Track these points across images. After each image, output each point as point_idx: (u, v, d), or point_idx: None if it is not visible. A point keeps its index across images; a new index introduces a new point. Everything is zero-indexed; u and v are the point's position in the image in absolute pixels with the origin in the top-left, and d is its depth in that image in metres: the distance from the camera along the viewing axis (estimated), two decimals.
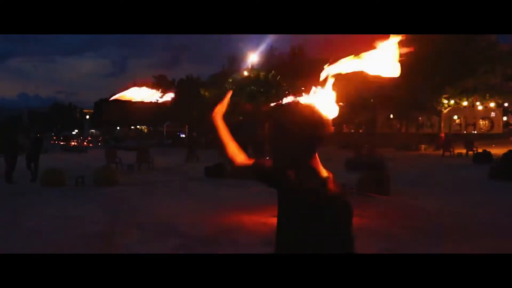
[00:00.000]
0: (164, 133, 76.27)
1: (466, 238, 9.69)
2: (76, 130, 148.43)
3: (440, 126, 50.83)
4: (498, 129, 67.69)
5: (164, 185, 19.61)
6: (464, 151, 36.92)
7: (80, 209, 13.63)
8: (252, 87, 65.28)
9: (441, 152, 39.07)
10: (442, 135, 46.22)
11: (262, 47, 74.18)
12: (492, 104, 58.23)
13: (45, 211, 13.29)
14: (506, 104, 61.87)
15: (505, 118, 73.26)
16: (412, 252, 8.19)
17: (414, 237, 9.84)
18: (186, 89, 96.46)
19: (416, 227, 10.84)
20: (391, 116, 66.12)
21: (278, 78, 66.55)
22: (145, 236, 10.15)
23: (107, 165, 22.72)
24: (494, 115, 68.44)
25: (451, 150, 37.64)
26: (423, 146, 46.02)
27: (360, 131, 68.81)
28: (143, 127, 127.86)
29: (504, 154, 24.67)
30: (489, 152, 29.45)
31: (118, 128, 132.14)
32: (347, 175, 17.34)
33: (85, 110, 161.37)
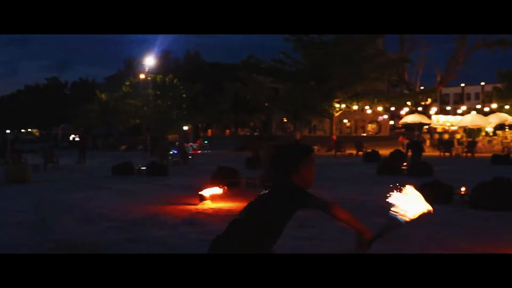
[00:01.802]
0: (59, 136, 75.12)
1: (357, 217, 11.23)
2: None
3: (331, 129, 53.11)
4: (386, 132, 71.28)
5: (77, 182, 20.18)
6: (354, 151, 39.30)
7: (2, 203, 14.16)
8: (149, 90, 65.63)
9: (333, 152, 41.33)
10: (334, 137, 48.48)
11: (157, 51, 74.62)
12: (380, 108, 61.24)
13: None
14: (393, 108, 65.22)
15: (391, 122, 77.10)
16: (324, 231, 9.60)
17: (322, 217, 11.23)
18: (80, 92, 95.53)
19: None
20: (285, 119, 68.19)
21: (175, 82, 67.18)
22: (76, 220, 11.06)
23: (16, 163, 22.91)
24: (381, 119, 72.00)
25: (342, 150, 39.99)
26: (316, 147, 48.07)
27: (255, 134, 70.53)
28: (34, 130, 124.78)
29: (391, 153, 26.89)
30: (377, 152, 31.71)
31: (8, 131, 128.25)
32: (247, 172, 19.07)
33: None
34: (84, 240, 8.86)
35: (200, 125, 76.81)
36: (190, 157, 32.37)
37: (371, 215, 11.52)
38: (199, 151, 48.79)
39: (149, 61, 69.00)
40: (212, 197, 13.39)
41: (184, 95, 66.93)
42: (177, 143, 36.74)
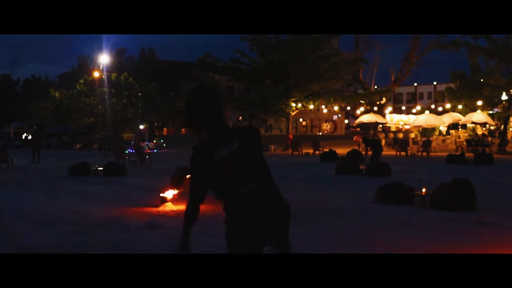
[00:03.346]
0: (11, 135, 73.82)
1: (319, 219, 11.34)
2: None
3: (288, 128, 53.33)
4: (341, 131, 71.84)
5: (33, 183, 19.84)
6: (311, 151, 39.54)
7: None
8: (104, 89, 65.06)
9: (290, 152, 41.51)
10: (291, 136, 48.68)
11: (112, 48, 73.94)
12: (336, 108, 61.80)
13: None
14: (348, 108, 65.91)
15: (346, 121, 77.83)
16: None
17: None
18: (32, 89, 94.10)
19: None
20: (240, 118, 68.22)
21: (130, 80, 66.72)
22: (36, 224, 10.83)
23: None
24: (337, 118, 72.60)
25: (299, 150, 40.17)
26: (272, 146, 48.22)
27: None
28: None
29: (348, 153, 27.11)
30: (335, 151, 31.96)
31: None
32: None
33: None
34: (46, 245, 8.67)
35: (155, 124, 76.34)
36: (147, 156, 32.10)
37: (332, 216, 11.68)
38: (154, 150, 48.57)
39: (103, 59, 68.35)
40: (173, 199, 13.30)
41: (139, 94, 66.55)
42: (132, 142, 36.51)
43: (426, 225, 10.43)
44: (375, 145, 25.20)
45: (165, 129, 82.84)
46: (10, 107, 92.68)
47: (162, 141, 55.90)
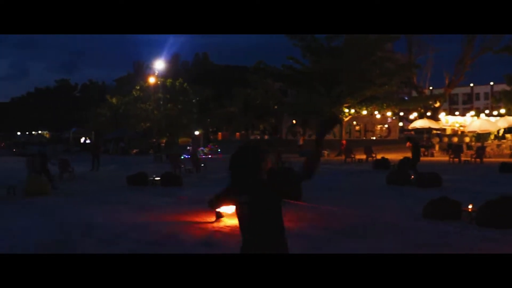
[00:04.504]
0: (71, 140, 75.73)
1: (370, 235, 11.72)
2: None
3: (341, 133, 53.38)
4: (395, 135, 71.54)
5: (94, 194, 20.43)
6: (364, 157, 39.67)
7: (24, 220, 14.56)
8: (160, 94, 66.12)
9: (343, 157, 41.67)
10: (344, 142, 48.74)
11: (166, 54, 75.23)
12: (389, 113, 61.54)
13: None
14: (402, 114, 65.60)
15: (401, 124, 77.28)
16: (324, 249, 10.06)
17: (326, 235, 11.67)
18: (90, 94, 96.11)
19: (326, 227, 12.72)
20: (294, 121, 68.50)
21: (184, 85, 67.64)
22: (98, 241, 11.46)
23: (36, 175, 22.98)
24: (390, 121, 72.28)
25: (352, 156, 40.32)
26: (326, 152, 48.35)
27: (266, 137, 70.86)
28: (45, 132, 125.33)
29: (399, 161, 27.21)
30: (387, 159, 32.06)
31: (18, 133, 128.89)
32: None
33: None
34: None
35: (210, 129, 77.27)
36: (202, 165, 32.65)
37: (376, 234, 12.03)
38: (210, 155, 49.31)
39: (159, 64, 69.53)
40: (230, 214, 13.74)
41: (194, 100, 67.46)
42: (188, 148, 37.26)
43: (467, 245, 10.64)
44: (414, 149, 24.88)
45: (219, 133, 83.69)
46: (68, 112, 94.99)
47: (216, 146, 56.48)
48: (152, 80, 68.12)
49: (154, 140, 63.11)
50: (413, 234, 11.87)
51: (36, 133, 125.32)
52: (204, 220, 13.70)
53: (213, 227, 12.90)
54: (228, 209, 13.79)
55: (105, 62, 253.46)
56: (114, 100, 70.84)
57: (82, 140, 77.28)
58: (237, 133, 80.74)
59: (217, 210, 13.76)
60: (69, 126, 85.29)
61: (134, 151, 58.64)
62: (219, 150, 53.53)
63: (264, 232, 4.59)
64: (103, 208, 16.58)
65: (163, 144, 61.05)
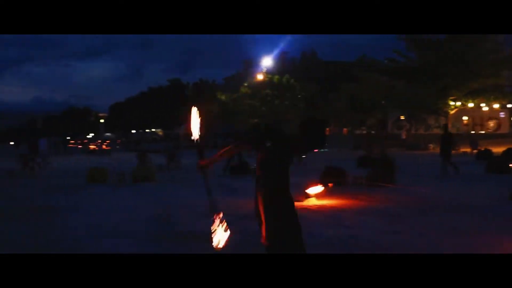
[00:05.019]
0: (180, 136, 78.19)
1: (458, 213, 12.08)
2: (92, 134, 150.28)
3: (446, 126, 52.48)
4: (505, 129, 69.32)
5: (195, 181, 21.54)
6: (469, 149, 39.14)
7: (132, 200, 15.83)
8: (267, 91, 67.09)
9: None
10: None
11: (275, 51, 76.16)
12: (496, 106, 59.83)
13: (101, 204, 15.48)
14: (510, 106, 63.51)
15: None
16: (412, 227, 10.54)
17: (413, 214, 12.10)
18: (201, 92, 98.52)
19: (415, 207, 13.13)
20: (401, 117, 67.84)
21: (291, 82, 68.32)
22: (195, 215, 12.41)
23: (142, 164, 24.58)
24: (502, 115, 70.10)
25: (457, 149, 39.82)
26: (431, 145, 47.90)
27: (372, 132, 70.50)
28: (158, 130, 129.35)
29: (503, 152, 26.86)
30: (490, 150, 31.64)
31: (133, 131, 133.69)
32: (358, 170, 19.90)
33: (100, 114, 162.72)
34: (203, 231, 9.99)
35: None
36: (303, 156, 33.25)
37: (458, 210, 12.37)
38: (315, 150, 49.80)
39: (267, 62, 70.57)
40: (317, 195, 14.48)
41: (299, 96, 68.06)
42: None
43: None
44: None
45: (327, 129, 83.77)
46: (179, 110, 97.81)
47: None
48: (260, 77, 69.36)
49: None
50: (493, 214, 12.10)
51: (149, 130, 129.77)
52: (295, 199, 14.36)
53: (302, 205, 13.57)
54: (315, 190, 14.58)
55: (217, 62, 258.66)
56: (223, 97, 72.56)
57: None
58: (344, 129, 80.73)
59: (306, 190, 14.50)
60: (180, 123, 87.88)
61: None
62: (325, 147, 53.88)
63: (272, 175, 5.41)
64: (199, 191, 17.51)
65: None
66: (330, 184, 15.47)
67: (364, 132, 74.02)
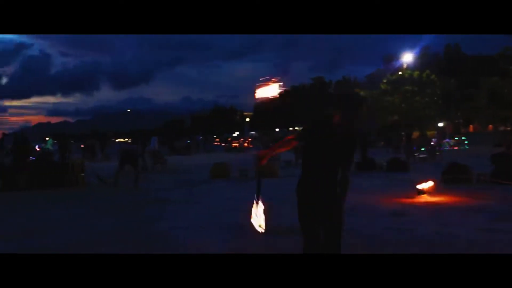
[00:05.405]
0: None
1: None
2: (237, 132, 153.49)
3: None
4: None
5: None
6: None
7: (244, 193, 16.04)
8: (407, 87, 65.78)
9: None
10: None
11: (417, 46, 74.47)
12: None
13: (219, 195, 15.87)
14: None
15: None
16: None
17: None
18: (342, 90, 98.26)
19: None
20: None
21: (432, 77, 66.56)
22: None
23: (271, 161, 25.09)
24: None
25: None
26: None
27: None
28: (299, 128, 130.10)
29: None
30: None
31: (277, 130, 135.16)
32: (486, 167, 18.97)
33: (245, 113, 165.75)
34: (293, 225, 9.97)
35: (456, 121, 75.33)
36: (437, 153, 32.45)
37: None
38: (455, 148, 48.41)
39: (407, 57, 69.15)
40: (429, 191, 14.04)
41: (438, 91, 66.17)
42: (433, 139, 37.07)
43: None
44: None
45: (471, 126, 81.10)
46: (322, 108, 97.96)
47: (464, 138, 54.98)
48: (399, 73, 68.11)
49: (403, 133, 62.98)
50: None
51: (292, 129, 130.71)
52: (407, 196, 14.10)
53: (412, 201, 13.30)
54: (426, 185, 14.15)
55: (361, 59, 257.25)
56: (362, 93, 71.97)
57: None
58: (490, 126, 77.56)
59: (417, 186, 14.10)
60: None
61: (382, 143, 59.01)
62: (466, 142, 52.13)
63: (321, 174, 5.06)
64: None
65: (415, 137, 60.68)
66: (434, 181, 14.83)
67: (509, 129, 70.83)
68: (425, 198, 13.72)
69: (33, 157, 21.99)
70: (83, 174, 20.21)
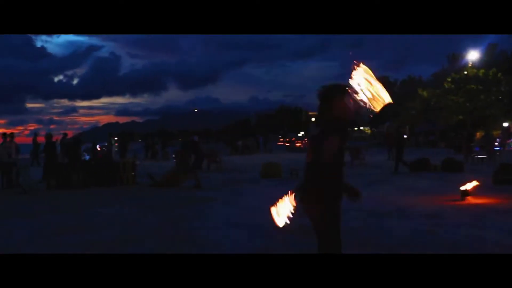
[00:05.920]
0: (385, 134, 77.34)
1: None
2: (302, 132, 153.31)
3: None
4: None
5: (376, 177, 21.32)
6: None
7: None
8: (472, 86, 64.30)
9: None
10: None
11: (482, 44, 72.80)
12: None
13: (263, 195, 15.92)
14: None
15: None
16: None
17: None
18: (407, 89, 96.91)
19: None
20: None
21: (498, 75, 64.88)
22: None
23: None
24: None
25: None
26: None
27: None
28: (366, 128, 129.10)
29: None
30: None
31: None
32: None
33: (310, 113, 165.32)
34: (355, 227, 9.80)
35: None
36: (497, 153, 31.65)
37: None
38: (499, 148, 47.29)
39: (472, 55, 67.66)
40: (474, 192, 13.73)
41: (503, 89, 64.39)
42: (498, 139, 36.29)
43: None
44: None
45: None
46: (385, 108, 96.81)
47: None
48: (464, 72, 66.60)
49: (465, 133, 61.69)
50: None
51: (357, 128, 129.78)
52: (450, 197, 13.86)
53: (453, 203, 13.09)
54: (470, 186, 13.85)
55: (428, 58, 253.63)
56: (425, 93, 70.67)
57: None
58: None
59: (461, 188, 13.81)
60: (385, 121, 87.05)
61: (443, 144, 57.98)
62: None
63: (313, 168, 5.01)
64: (370, 187, 17.37)
65: (478, 137, 59.40)
66: (480, 182, 14.47)
67: None
68: (468, 199, 13.43)
69: (87, 157, 22.60)
70: (133, 173, 20.66)
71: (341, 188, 5.01)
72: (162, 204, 14.62)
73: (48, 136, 22.73)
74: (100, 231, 10.47)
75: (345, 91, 4.86)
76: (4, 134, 20.72)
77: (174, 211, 13.19)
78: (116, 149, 35.99)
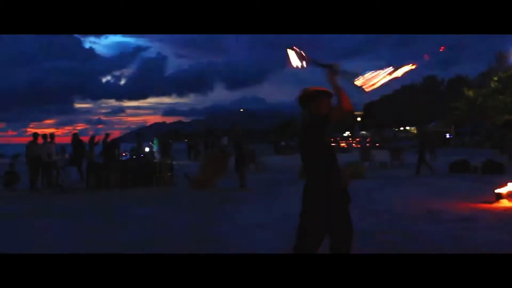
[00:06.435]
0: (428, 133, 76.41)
1: None
2: (348, 132, 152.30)
3: None
4: None
5: (403, 179, 21.17)
6: None
7: None
8: None
9: None
10: None
11: None
12: None
13: (297, 197, 15.89)
14: None
15: None
16: None
17: None
18: (454, 89, 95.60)
19: None
20: None
21: None
22: (365, 212, 12.25)
23: (358, 161, 24.98)
24: None
25: None
26: None
27: None
28: (412, 128, 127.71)
29: None
30: None
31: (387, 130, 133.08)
32: None
33: (356, 113, 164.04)
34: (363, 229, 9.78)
35: None
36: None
37: None
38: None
39: None
40: (509, 195, 13.43)
41: None
42: None
43: None
44: None
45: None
46: (432, 107, 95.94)
47: None
48: None
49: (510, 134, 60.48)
50: None
51: (403, 128, 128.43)
52: (484, 200, 13.60)
53: (487, 206, 12.86)
54: (507, 189, 13.54)
55: (477, 57, 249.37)
56: (471, 93, 69.63)
57: (449, 136, 77.14)
58: None
59: (496, 190, 13.53)
60: (430, 120, 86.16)
61: (489, 145, 56.98)
62: None
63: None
64: (397, 188, 17.27)
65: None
66: None
67: None
68: (503, 203, 13.14)
69: (125, 157, 22.87)
70: (169, 173, 20.87)
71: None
72: (195, 205, 14.76)
73: (75, 136, 23.37)
74: (130, 231, 10.64)
75: (321, 95, 5.05)
76: (44, 135, 21.16)
77: (205, 212, 13.28)
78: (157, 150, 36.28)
